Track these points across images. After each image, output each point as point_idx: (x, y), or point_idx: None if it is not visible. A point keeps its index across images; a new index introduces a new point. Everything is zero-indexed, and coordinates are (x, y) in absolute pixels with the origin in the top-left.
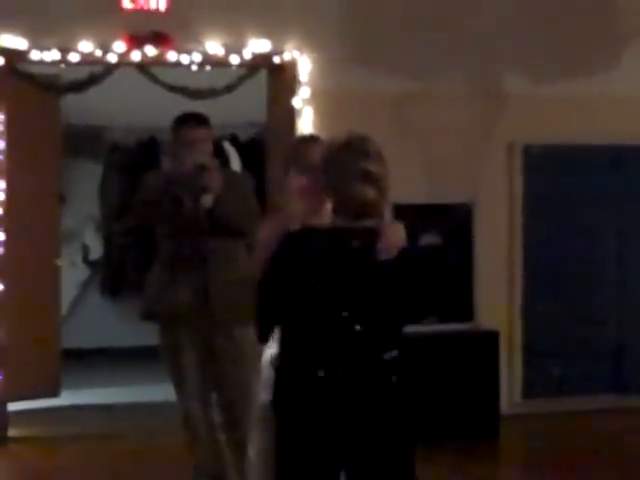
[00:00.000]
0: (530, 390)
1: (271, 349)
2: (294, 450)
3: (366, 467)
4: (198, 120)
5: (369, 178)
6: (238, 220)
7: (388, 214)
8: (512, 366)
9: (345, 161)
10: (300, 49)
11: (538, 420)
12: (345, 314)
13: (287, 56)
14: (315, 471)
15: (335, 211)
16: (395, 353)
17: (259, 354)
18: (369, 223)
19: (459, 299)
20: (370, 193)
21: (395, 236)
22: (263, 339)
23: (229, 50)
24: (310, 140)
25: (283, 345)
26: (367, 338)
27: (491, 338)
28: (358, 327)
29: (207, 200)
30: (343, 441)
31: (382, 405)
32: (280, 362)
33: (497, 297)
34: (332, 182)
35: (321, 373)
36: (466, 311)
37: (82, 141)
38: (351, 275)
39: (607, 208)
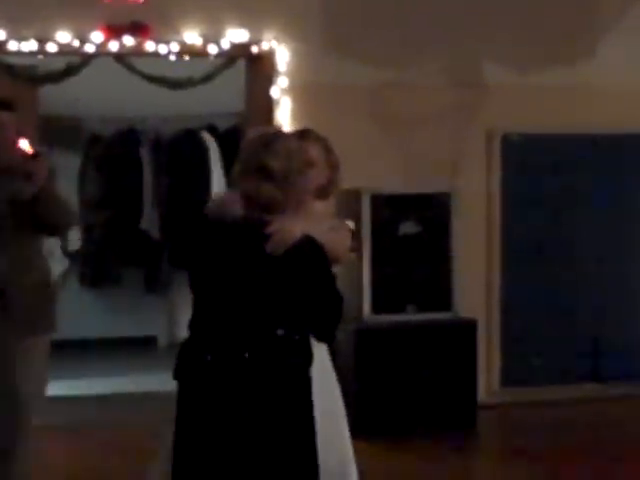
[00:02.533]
0: (508, 379)
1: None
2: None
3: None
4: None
5: (265, 174)
6: (58, 214)
7: (306, 209)
8: (490, 355)
9: (248, 155)
10: (278, 39)
11: (516, 409)
12: (233, 302)
13: (265, 46)
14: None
15: (245, 204)
16: (281, 332)
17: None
18: (269, 218)
19: (437, 288)
20: (264, 188)
21: (282, 233)
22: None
23: (207, 40)
24: (305, 135)
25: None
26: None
27: (469, 327)
28: (244, 314)
29: (27, 189)
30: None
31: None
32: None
33: (475, 286)
34: (234, 175)
35: (208, 357)
36: (444, 300)
37: (60, 132)
38: (237, 267)
39: (587, 197)
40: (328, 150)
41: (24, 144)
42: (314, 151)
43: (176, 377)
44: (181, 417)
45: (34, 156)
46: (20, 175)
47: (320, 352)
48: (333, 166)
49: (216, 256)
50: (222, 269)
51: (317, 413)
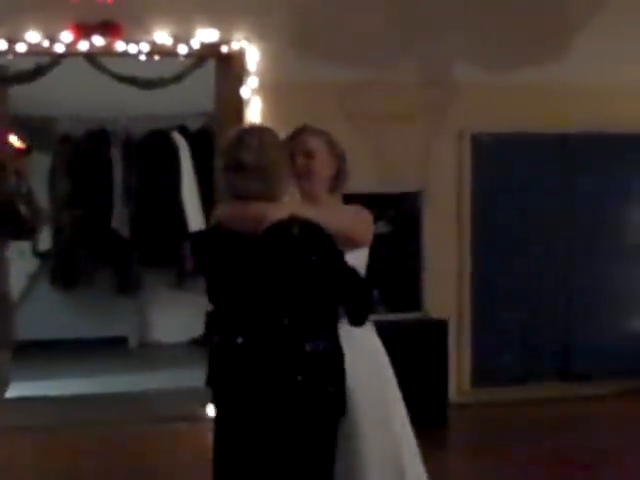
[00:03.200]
0: (479, 379)
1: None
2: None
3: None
4: None
5: (241, 167)
6: (38, 215)
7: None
8: (461, 354)
9: (224, 152)
10: (248, 39)
11: (487, 408)
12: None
13: (235, 46)
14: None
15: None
16: (286, 321)
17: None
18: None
19: (408, 288)
20: (243, 182)
21: (257, 215)
22: None
23: (177, 40)
24: (303, 129)
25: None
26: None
27: (440, 327)
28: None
29: (22, 187)
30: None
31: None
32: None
33: (446, 286)
34: (217, 172)
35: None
36: (415, 300)
37: (30, 132)
38: (233, 259)
39: (556, 196)
40: (331, 142)
41: (13, 139)
42: (312, 143)
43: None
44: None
45: (27, 151)
46: (11, 171)
47: (365, 340)
48: (339, 157)
49: (223, 258)
50: (226, 266)
51: (364, 402)
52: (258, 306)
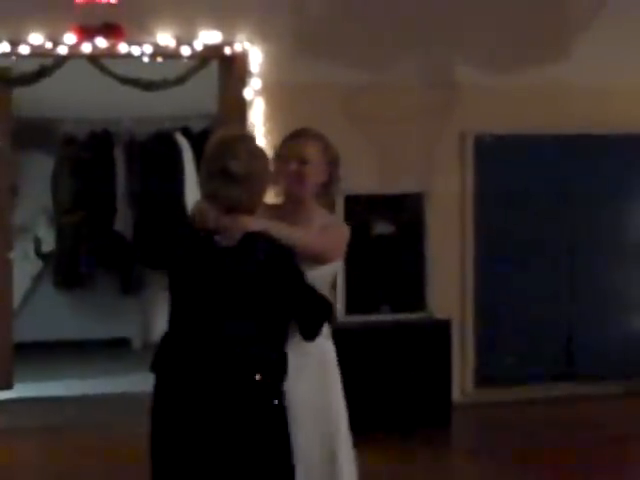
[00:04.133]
0: (482, 379)
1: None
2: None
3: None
4: None
5: (227, 176)
6: None
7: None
8: (464, 355)
9: (211, 158)
10: (251, 40)
11: (490, 409)
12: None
13: (238, 47)
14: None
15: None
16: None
17: None
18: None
19: (411, 288)
20: (227, 190)
21: (230, 225)
22: None
23: (180, 41)
24: (302, 133)
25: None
26: (214, 315)
27: (443, 327)
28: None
29: None
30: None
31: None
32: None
33: (449, 286)
34: (199, 177)
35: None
36: (418, 300)
37: (34, 134)
38: (198, 260)
39: (559, 196)
40: (326, 147)
41: None
42: (310, 148)
43: (153, 369)
44: (156, 408)
45: None
46: None
47: (319, 347)
48: (332, 163)
49: (186, 257)
50: (188, 268)
51: (306, 407)
52: (208, 305)
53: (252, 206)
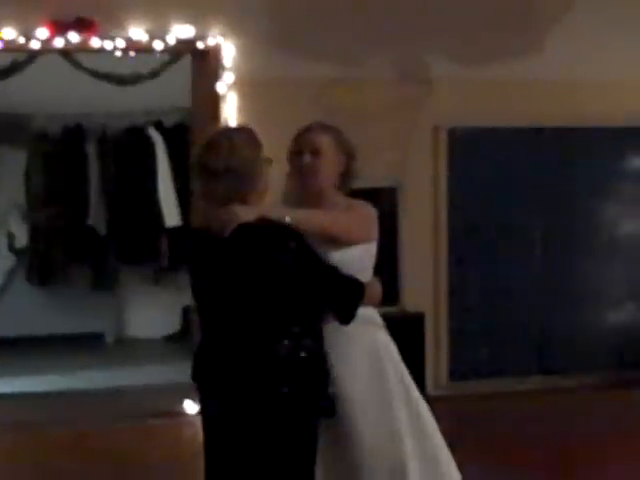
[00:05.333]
0: (456, 372)
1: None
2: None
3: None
4: None
5: (209, 172)
6: None
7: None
8: (438, 348)
9: (195, 156)
10: (224, 35)
11: (464, 402)
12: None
13: (211, 42)
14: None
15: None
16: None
17: None
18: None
19: (385, 282)
20: (213, 186)
21: (225, 215)
22: None
23: (153, 36)
24: (312, 127)
25: None
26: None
27: (417, 321)
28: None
29: None
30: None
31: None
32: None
33: (423, 280)
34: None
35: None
36: (391, 294)
37: (6, 129)
38: (200, 259)
39: (532, 189)
40: (339, 139)
41: None
42: (319, 140)
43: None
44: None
45: None
46: None
47: (367, 336)
48: (348, 154)
49: (191, 259)
50: (195, 269)
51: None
52: (225, 307)
53: (242, 197)
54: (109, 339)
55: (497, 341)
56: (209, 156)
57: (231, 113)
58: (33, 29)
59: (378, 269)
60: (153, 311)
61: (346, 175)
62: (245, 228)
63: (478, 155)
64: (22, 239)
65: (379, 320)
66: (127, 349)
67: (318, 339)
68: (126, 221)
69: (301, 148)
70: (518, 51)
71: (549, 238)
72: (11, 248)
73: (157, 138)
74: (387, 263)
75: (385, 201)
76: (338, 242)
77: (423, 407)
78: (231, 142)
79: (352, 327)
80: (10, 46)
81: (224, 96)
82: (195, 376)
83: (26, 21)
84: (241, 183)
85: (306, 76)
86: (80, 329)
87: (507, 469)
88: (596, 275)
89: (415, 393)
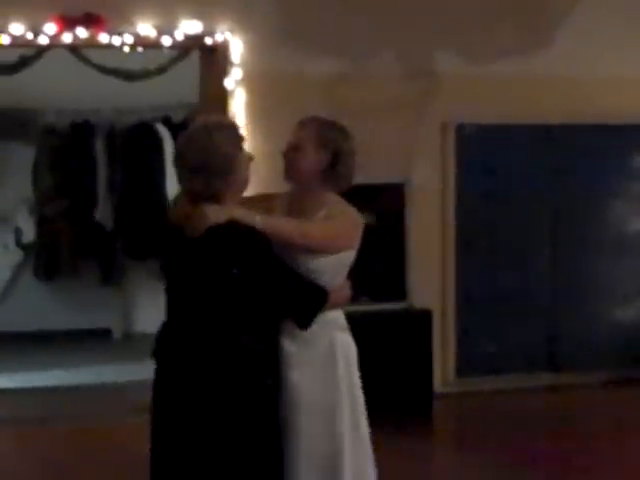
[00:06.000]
0: (463, 369)
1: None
2: None
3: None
4: None
5: (187, 168)
6: None
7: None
8: (445, 345)
9: (174, 152)
10: (232, 30)
11: (471, 398)
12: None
13: (219, 37)
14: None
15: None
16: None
17: None
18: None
19: (392, 278)
20: (184, 181)
21: (196, 216)
22: None
23: (161, 31)
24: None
25: None
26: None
27: (424, 317)
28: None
29: None
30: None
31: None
32: None
33: (430, 276)
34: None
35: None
36: (399, 290)
37: (14, 124)
38: (170, 253)
39: (541, 187)
40: (324, 135)
41: None
42: (298, 136)
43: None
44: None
45: None
46: None
47: (327, 338)
48: (334, 151)
49: (163, 251)
50: (165, 262)
51: (310, 401)
52: (185, 303)
53: (218, 195)
54: (116, 334)
55: (504, 337)
56: (188, 151)
57: (239, 109)
58: (41, 24)
59: (386, 265)
60: (160, 306)
61: (330, 173)
62: (213, 231)
63: (486, 152)
64: (30, 234)
65: (342, 322)
66: (134, 344)
67: (269, 344)
68: (134, 216)
69: (288, 144)
70: (526, 48)
71: (559, 235)
72: (19, 243)
73: (165, 134)
74: (394, 260)
75: (393, 197)
76: (314, 250)
77: (364, 423)
78: (210, 138)
79: (311, 330)
80: (18, 41)
81: (232, 92)
82: (153, 354)
83: (34, 16)
84: (218, 181)
85: (314, 72)
86: (87, 324)
87: (514, 466)
88: (605, 273)
89: (360, 407)
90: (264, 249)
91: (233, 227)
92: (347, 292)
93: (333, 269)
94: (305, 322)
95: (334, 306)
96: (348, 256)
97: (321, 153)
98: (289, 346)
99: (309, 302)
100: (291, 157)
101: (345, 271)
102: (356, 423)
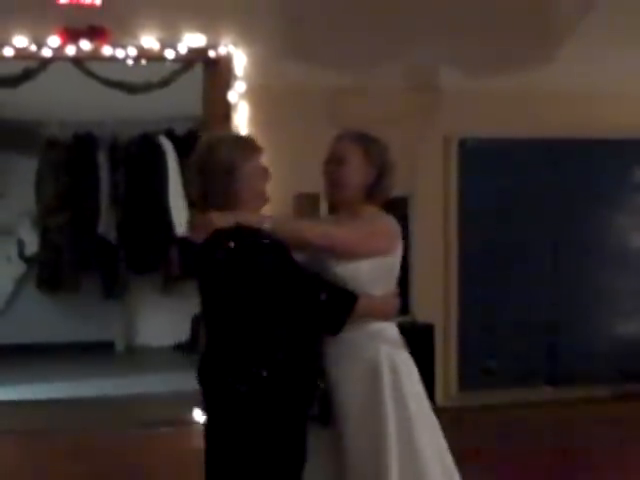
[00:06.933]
0: (465, 383)
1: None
2: None
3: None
4: None
5: (191, 174)
6: None
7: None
8: (448, 359)
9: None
10: (235, 43)
11: (473, 412)
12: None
13: (222, 50)
14: None
15: None
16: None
17: None
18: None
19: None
20: (191, 187)
21: (200, 222)
22: None
23: (164, 44)
24: (340, 136)
25: None
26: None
27: (427, 331)
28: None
29: None
30: None
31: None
32: None
33: (433, 290)
34: None
35: None
36: (402, 304)
37: (17, 136)
38: (183, 263)
39: (542, 201)
40: (370, 150)
41: None
42: (344, 149)
43: None
44: None
45: None
46: None
47: (371, 352)
48: (380, 166)
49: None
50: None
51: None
52: (208, 315)
53: (220, 202)
54: (119, 347)
55: (507, 352)
56: (192, 163)
57: (242, 122)
58: (45, 37)
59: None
60: (163, 320)
61: (375, 187)
62: (217, 236)
63: (489, 166)
64: (32, 246)
65: (390, 334)
66: (137, 357)
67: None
68: (136, 230)
69: (329, 157)
70: (529, 62)
71: (560, 248)
72: (21, 255)
73: (168, 146)
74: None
75: (396, 211)
76: (337, 254)
77: (421, 436)
78: (212, 145)
79: (355, 342)
80: (22, 54)
81: (235, 105)
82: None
83: (38, 29)
84: (212, 187)
85: (317, 85)
86: (90, 337)
87: (516, 479)
88: (605, 287)
89: (414, 420)
90: (272, 251)
91: (237, 230)
92: (392, 302)
93: (368, 275)
94: (335, 327)
95: (376, 316)
96: (386, 263)
97: (368, 167)
98: (329, 360)
99: (335, 306)
100: (335, 171)
101: (387, 279)
102: (409, 437)
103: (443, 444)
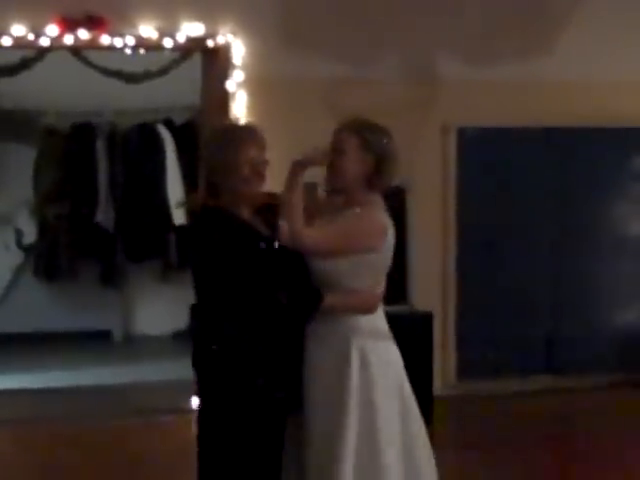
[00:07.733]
0: (464, 372)
1: None
2: None
3: None
4: None
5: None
6: None
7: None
8: (446, 348)
9: None
10: (234, 33)
11: (472, 402)
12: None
13: (221, 40)
14: None
15: None
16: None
17: None
18: None
19: (393, 281)
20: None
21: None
22: None
23: (163, 33)
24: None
25: None
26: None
27: (425, 320)
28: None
29: None
30: None
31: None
32: None
33: (431, 279)
34: None
35: None
36: (400, 293)
37: (15, 125)
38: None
39: (541, 189)
40: (368, 138)
41: None
42: (342, 139)
43: None
44: None
45: None
46: None
47: (342, 341)
48: (379, 154)
49: None
50: None
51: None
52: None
53: (213, 190)
54: (117, 336)
55: (505, 341)
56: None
57: (240, 111)
58: (43, 26)
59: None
60: (161, 308)
61: (374, 176)
62: (202, 220)
63: (487, 155)
64: (30, 235)
65: (368, 327)
66: (135, 346)
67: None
68: (134, 218)
69: (330, 148)
70: (527, 51)
71: (559, 237)
72: (19, 244)
73: (166, 136)
74: (396, 263)
75: (394, 201)
76: (311, 253)
77: (381, 434)
78: (210, 134)
79: (328, 334)
80: (20, 43)
81: (234, 94)
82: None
83: (36, 18)
84: (209, 174)
85: (315, 75)
86: (88, 326)
87: (514, 468)
88: (604, 275)
89: (380, 414)
90: (244, 243)
91: (215, 211)
92: (371, 298)
93: (347, 271)
94: (296, 326)
95: (354, 312)
96: (369, 259)
97: (366, 157)
98: (307, 346)
99: (296, 307)
100: (334, 161)
101: (371, 275)
102: (370, 427)
103: (418, 436)
